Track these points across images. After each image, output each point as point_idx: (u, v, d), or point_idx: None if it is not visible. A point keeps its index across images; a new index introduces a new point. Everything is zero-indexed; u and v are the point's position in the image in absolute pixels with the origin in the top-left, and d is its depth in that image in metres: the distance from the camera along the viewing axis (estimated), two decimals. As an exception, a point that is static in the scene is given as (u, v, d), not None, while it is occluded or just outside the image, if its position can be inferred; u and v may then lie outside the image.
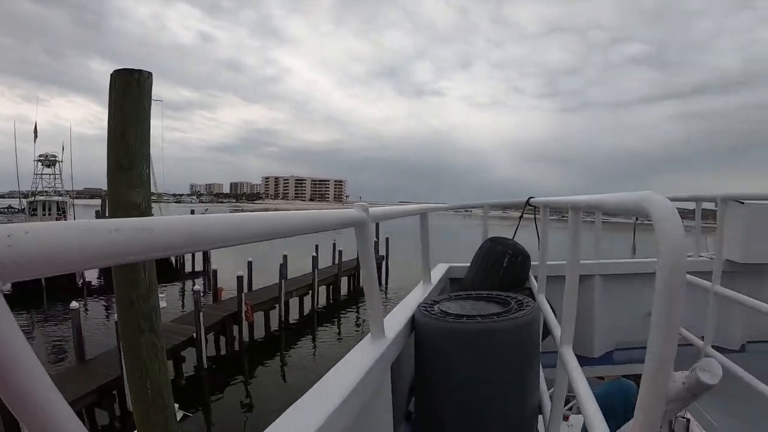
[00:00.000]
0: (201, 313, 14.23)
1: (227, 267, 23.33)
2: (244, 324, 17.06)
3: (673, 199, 3.26)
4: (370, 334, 1.68)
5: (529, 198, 3.42)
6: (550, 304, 3.28)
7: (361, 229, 1.49)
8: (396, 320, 1.92)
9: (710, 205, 4.57)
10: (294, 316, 21.22)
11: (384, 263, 31.54)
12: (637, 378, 4.39)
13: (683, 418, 5.52)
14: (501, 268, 2.93)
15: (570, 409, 7.32)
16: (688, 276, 3.34)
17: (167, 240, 0.57)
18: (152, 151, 4.05)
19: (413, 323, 1.98)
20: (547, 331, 2.94)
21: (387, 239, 32.20)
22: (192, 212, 4.12)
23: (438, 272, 3.57)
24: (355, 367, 1.37)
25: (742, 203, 4.13)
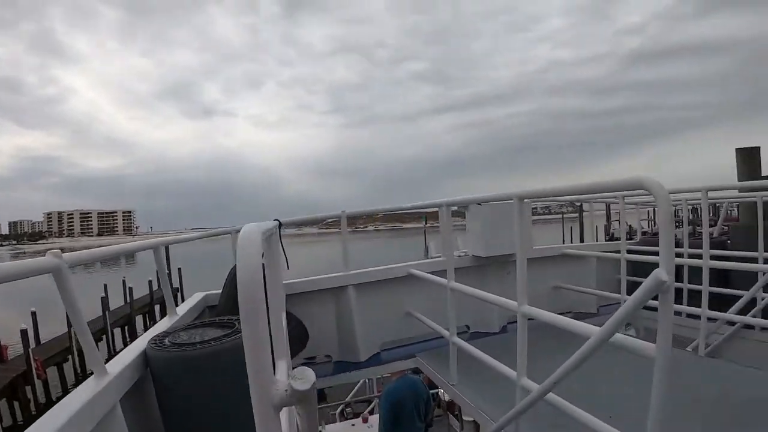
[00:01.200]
0: (-17, 379, 11.98)
1: (9, 321, 19.47)
2: (38, 383, 14.69)
3: (413, 208, 4.80)
4: (93, 374, 1.68)
5: (276, 219, 3.53)
6: (298, 318, 3.67)
7: (58, 275, 1.46)
8: (124, 357, 1.96)
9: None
10: (94, 364, 18.75)
11: (179, 294, 29.78)
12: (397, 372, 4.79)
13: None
14: None
15: (371, 411, 7.82)
16: (428, 275, 3.85)
17: None
18: None
19: (147, 357, 2.02)
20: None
21: (180, 269, 30.45)
22: None
23: (192, 301, 3.62)
24: (68, 408, 1.39)
25: (480, 204, 4.50)
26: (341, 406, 8.48)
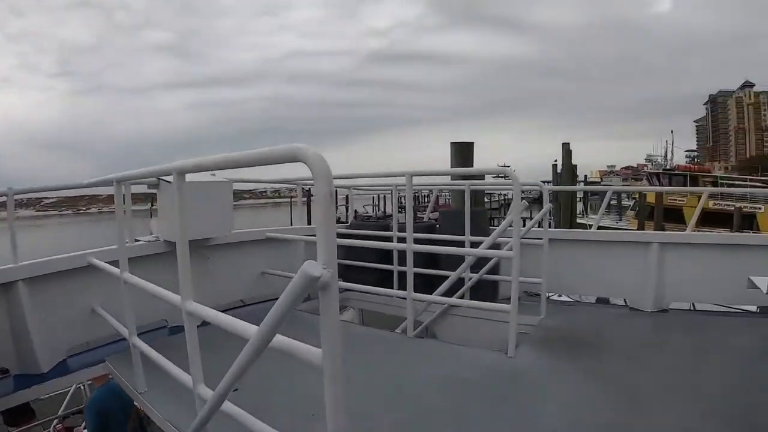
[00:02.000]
0: None
1: None
2: None
3: (90, 185, 3.71)
4: None
5: None
6: None
7: None
8: None
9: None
10: None
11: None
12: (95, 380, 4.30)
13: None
14: None
15: (85, 427, 7.04)
16: (106, 265, 3.31)
17: None
18: None
19: None
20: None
21: None
22: None
23: None
24: None
25: (169, 182, 4.05)
26: (54, 421, 7.34)
